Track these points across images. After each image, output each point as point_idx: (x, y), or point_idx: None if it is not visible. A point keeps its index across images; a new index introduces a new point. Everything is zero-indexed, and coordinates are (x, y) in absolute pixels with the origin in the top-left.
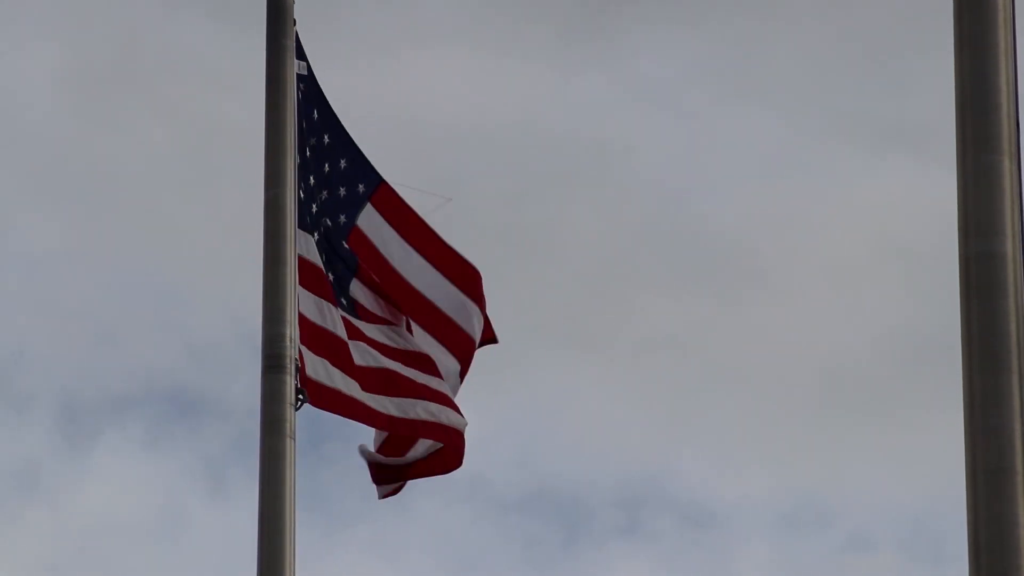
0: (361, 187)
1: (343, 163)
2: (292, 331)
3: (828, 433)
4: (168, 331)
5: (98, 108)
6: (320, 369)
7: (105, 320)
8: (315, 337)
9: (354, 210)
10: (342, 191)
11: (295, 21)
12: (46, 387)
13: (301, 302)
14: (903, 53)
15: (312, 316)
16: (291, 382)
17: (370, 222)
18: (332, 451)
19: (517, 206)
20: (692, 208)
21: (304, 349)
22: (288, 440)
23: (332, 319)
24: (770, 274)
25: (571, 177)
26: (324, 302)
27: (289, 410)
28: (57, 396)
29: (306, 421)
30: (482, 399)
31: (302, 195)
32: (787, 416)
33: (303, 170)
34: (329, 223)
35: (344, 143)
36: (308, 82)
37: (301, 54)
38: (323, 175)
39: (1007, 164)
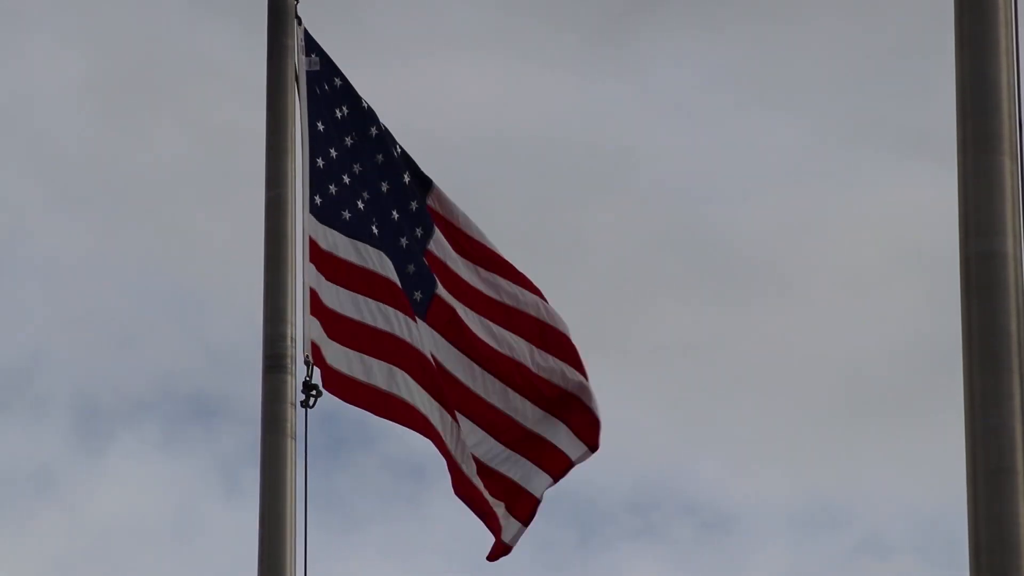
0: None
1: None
2: (293, 331)
3: (845, 437)
4: (186, 335)
5: (120, 115)
6: (343, 359)
7: (124, 324)
8: (344, 329)
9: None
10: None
11: (300, 19)
12: (63, 390)
13: (312, 280)
14: (923, 59)
15: (332, 304)
16: (292, 382)
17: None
18: (347, 452)
19: (537, 212)
20: (711, 214)
21: (327, 340)
22: (289, 440)
23: (349, 309)
24: (788, 280)
25: (591, 184)
26: (343, 291)
27: (290, 410)
28: (74, 399)
29: (321, 423)
30: None
31: (334, 192)
32: (803, 420)
33: (337, 165)
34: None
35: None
36: (328, 78)
37: (311, 50)
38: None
39: (1007, 164)
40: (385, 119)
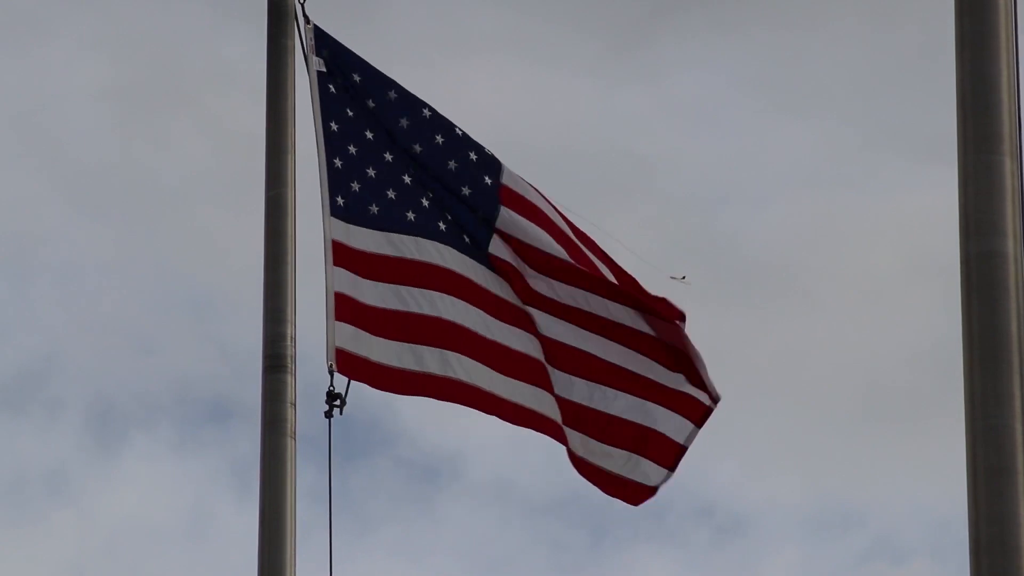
0: (487, 179)
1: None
2: (293, 331)
3: (859, 441)
4: (202, 338)
5: (138, 120)
6: (392, 354)
7: (140, 327)
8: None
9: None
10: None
11: (308, 19)
12: (78, 392)
13: (339, 283)
14: (941, 64)
15: (353, 294)
16: (291, 382)
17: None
18: (360, 454)
19: None
20: (729, 220)
21: (371, 338)
22: (289, 440)
23: (423, 303)
24: (805, 285)
25: (610, 190)
26: (381, 285)
27: (290, 410)
28: (88, 401)
29: (333, 425)
30: None
31: (357, 188)
32: (818, 424)
33: (358, 161)
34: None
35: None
36: (339, 74)
37: (321, 49)
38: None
39: (1008, 164)
40: None
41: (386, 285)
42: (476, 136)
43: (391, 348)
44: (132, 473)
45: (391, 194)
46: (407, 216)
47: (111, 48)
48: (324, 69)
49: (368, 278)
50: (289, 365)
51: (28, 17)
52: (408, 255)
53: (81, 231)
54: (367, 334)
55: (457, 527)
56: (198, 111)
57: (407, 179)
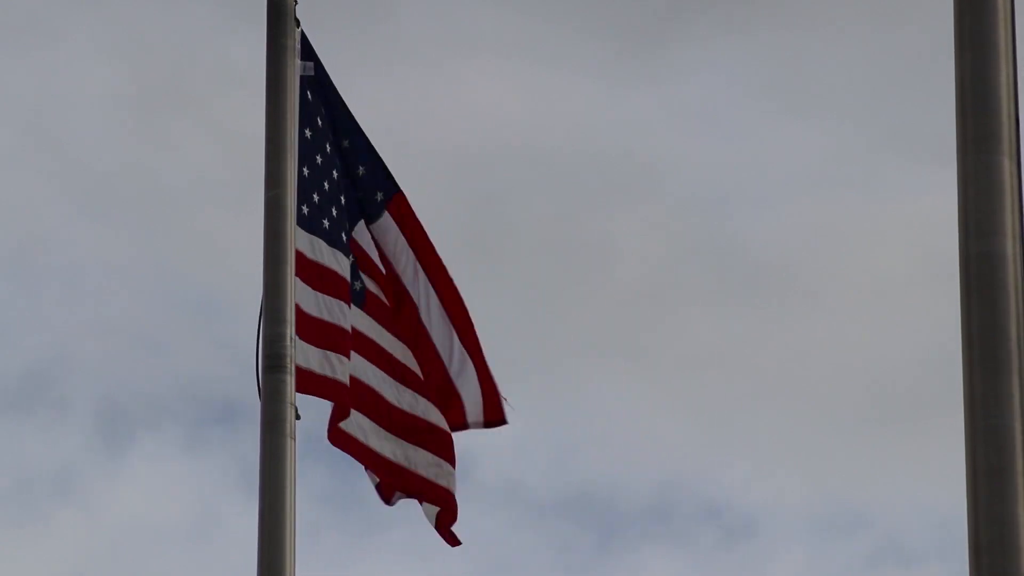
0: (379, 195)
1: (362, 170)
2: (292, 331)
3: (867, 443)
4: (209, 339)
5: (147, 123)
6: (315, 359)
7: (148, 328)
8: (315, 330)
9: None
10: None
11: (299, 21)
12: (85, 392)
13: (299, 295)
14: (947, 66)
15: (311, 311)
16: (291, 382)
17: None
18: None
19: (564, 221)
20: (737, 223)
21: (299, 341)
22: (288, 440)
23: (338, 315)
24: (813, 288)
25: (618, 193)
26: (330, 299)
27: (289, 410)
28: (96, 401)
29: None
30: (522, 404)
31: (317, 199)
32: (825, 426)
33: (320, 173)
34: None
35: (363, 149)
36: (317, 83)
37: (308, 55)
38: (344, 179)
39: (1007, 164)
40: (410, 127)
41: (321, 295)
42: (479, 136)
43: (315, 353)
44: (138, 474)
45: (334, 211)
46: (342, 236)
47: (118, 51)
48: (311, 74)
49: (314, 288)
50: (288, 365)
51: (35, 20)
52: (344, 274)
53: (87, 233)
54: (301, 341)
55: (465, 528)
56: (203, 113)
57: (342, 201)
